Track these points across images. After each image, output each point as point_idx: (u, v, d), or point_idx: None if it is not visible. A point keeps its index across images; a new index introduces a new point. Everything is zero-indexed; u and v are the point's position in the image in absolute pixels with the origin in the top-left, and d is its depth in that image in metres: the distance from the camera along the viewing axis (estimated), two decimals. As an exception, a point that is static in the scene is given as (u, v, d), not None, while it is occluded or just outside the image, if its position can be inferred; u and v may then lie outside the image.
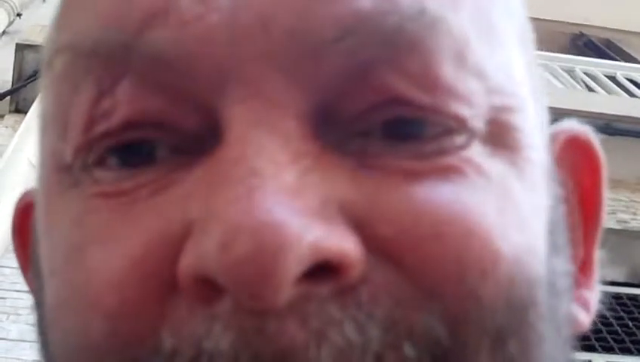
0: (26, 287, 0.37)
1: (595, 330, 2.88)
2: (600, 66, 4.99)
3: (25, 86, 3.79)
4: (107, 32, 0.27)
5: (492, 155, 0.28)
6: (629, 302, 3.19)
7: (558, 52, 5.21)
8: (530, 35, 0.33)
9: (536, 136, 0.30)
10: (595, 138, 0.36)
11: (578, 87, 4.59)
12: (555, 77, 4.59)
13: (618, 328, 2.99)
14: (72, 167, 0.29)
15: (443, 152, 0.27)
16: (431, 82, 0.27)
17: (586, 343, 2.81)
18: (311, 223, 0.24)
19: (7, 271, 2.66)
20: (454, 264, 0.26)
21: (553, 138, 0.34)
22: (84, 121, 0.28)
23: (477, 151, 0.27)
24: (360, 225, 0.25)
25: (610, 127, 3.74)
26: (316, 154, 0.26)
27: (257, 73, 0.26)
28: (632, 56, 6.19)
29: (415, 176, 0.26)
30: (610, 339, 2.94)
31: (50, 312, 0.29)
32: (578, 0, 6.57)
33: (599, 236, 0.36)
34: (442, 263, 0.25)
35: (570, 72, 4.77)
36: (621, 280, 3.29)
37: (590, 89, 4.59)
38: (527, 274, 0.27)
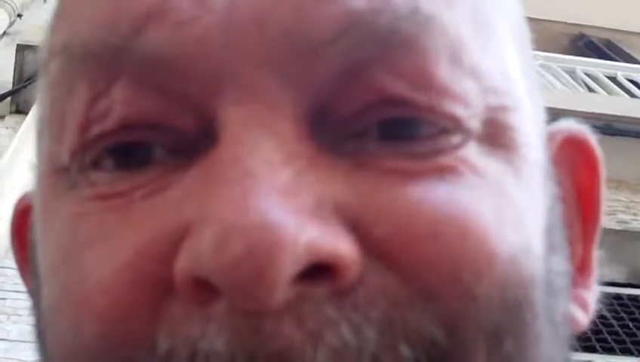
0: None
1: (596, 331, 2.88)
2: (600, 67, 4.99)
3: (25, 87, 3.79)
4: (101, 33, 0.27)
5: (488, 155, 0.28)
6: (629, 303, 3.18)
7: (558, 53, 5.20)
8: (525, 34, 0.33)
9: (532, 135, 0.30)
10: (592, 137, 0.36)
11: (579, 87, 4.59)
12: (556, 78, 4.59)
13: (619, 329, 2.98)
14: (69, 170, 0.29)
15: (438, 152, 0.27)
16: (426, 82, 0.27)
17: (587, 344, 2.81)
18: (305, 223, 0.24)
19: (8, 271, 2.66)
20: (450, 264, 0.25)
21: (551, 137, 0.34)
22: (80, 123, 0.28)
23: (472, 151, 0.27)
24: (355, 226, 0.25)
25: (610, 127, 3.74)
26: (311, 155, 0.26)
27: (252, 74, 0.26)
28: (632, 57, 6.19)
29: (410, 176, 0.26)
30: (610, 340, 2.93)
31: (47, 313, 0.29)
32: (578, 1, 6.57)
33: (597, 235, 0.35)
34: (437, 263, 0.25)
35: (571, 73, 4.77)
36: (621, 280, 3.29)
37: (591, 89, 4.59)
38: (524, 273, 0.27)
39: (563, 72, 4.71)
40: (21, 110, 3.80)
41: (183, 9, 0.26)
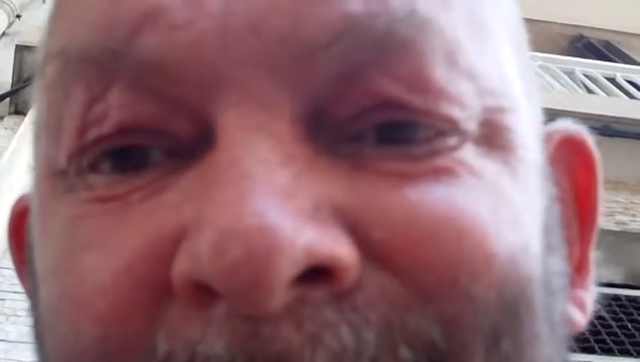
0: (25, 289, 0.37)
1: (594, 332, 2.88)
2: (599, 68, 4.99)
3: (24, 87, 3.78)
4: (97, 37, 0.27)
5: (485, 156, 0.28)
6: (628, 304, 3.18)
7: (557, 54, 5.21)
8: (522, 35, 0.33)
9: (529, 136, 0.30)
10: (590, 137, 0.36)
11: (578, 88, 4.59)
12: (555, 79, 4.59)
13: (617, 330, 2.98)
14: (66, 173, 0.29)
15: (435, 154, 0.27)
16: (422, 84, 0.27)
17: (585, 345, 2.81)
18: (303, 226, 0.24)
19: (6, 272, 2.65)
20: (448, 265, 0.25)
21: (548, 138, 0.34)
22: (77, 127, 0.28)
23: (470, 152, 0.27)
24: (353, 228, 0.25)
25: (609, 128, 3.74)
26: (309, 157, 0.26)
27: (249, 77, 0.26)
28: (631, 58, 6.19)
29: (408, 178, 0.26)
30: (609, 341, 2.93)
31: (45, 316, 0.29)
32: (577, 2, 6.57)
33: (595, 236, 0.35)
34: (435, 265, 0.25)
35: (570, 74, 4.77)
36: (620, 281, 3.29)
37: (590, 91, 4.59)
38: (521, 274, 0.27)
39: (562, 73, 4.71)
40: (20, 111, 3.79)
41: (179, 13, 0.26)
